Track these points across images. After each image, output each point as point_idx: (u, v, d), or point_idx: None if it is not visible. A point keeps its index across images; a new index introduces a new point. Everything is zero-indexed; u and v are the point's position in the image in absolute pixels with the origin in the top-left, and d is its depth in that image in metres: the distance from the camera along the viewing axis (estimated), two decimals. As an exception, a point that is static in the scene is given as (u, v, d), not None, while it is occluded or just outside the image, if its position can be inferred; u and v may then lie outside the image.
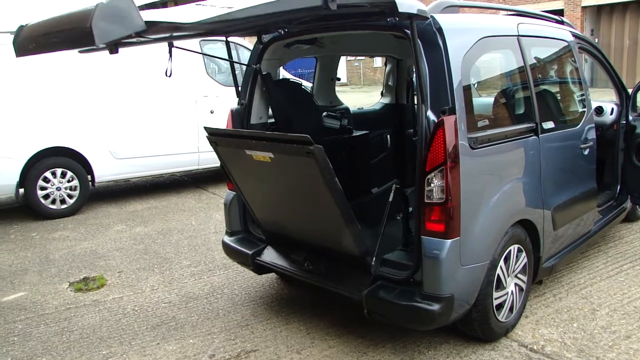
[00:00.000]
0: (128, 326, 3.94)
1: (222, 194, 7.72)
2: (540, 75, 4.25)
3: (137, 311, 4.18)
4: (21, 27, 2.76)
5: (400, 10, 2.64)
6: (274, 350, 3.53)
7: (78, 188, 7.11)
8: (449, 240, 2.95)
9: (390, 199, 3.27)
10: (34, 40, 2.61)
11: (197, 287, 4.59)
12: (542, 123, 3.76)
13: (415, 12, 2.76)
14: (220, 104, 7.91)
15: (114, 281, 4.79)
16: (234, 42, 7.80)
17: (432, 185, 2.95)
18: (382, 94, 5.78)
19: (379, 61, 31.40)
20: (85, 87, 7.10)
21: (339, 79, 5.44)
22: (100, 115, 7.18)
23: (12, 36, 2.85)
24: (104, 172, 7.30)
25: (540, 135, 3.71)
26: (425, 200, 2.98)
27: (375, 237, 3.32)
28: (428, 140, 2.95)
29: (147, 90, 7.52)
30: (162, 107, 7.67)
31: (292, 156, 3.00)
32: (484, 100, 4.04)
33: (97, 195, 8.08)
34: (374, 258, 3.23)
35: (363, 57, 31.55)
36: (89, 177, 7.24)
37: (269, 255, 3.86)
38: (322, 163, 2.90)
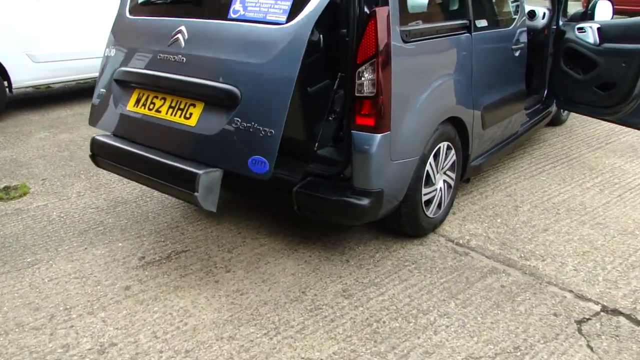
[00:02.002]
0: (54, 233, 3.80)
1: (152, 101, 7.40)
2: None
3: (63, 218, 4.03)
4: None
5: None
6: (204, 250, 3.51)
7: (-7, 95, 6.62)
8: (379, 135, 2.93)
9: (335, 86, 3.16)
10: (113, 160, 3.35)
11: (126, 192, 4.45)
12: (476, 21, 3.72)
13: None
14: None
15: (38, 189, 4.58)
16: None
17: (362, 78, 2.89)
18: (316, -7, 5.53)
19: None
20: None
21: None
22: (15, 14, 6.56)
23: None
24: (22, 77, 6.74)
25: (473, 33, 3.67)
26: (356, 94, 2.92)
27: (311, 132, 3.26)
28: (359, 32, 2.86)
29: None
30: (84, 7, 7.09)
31: None
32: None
33: (16, 102, 7.56)
34: (317, 144, 3.18)
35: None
36: (5, 83, 6.72)
37: None
38: None
